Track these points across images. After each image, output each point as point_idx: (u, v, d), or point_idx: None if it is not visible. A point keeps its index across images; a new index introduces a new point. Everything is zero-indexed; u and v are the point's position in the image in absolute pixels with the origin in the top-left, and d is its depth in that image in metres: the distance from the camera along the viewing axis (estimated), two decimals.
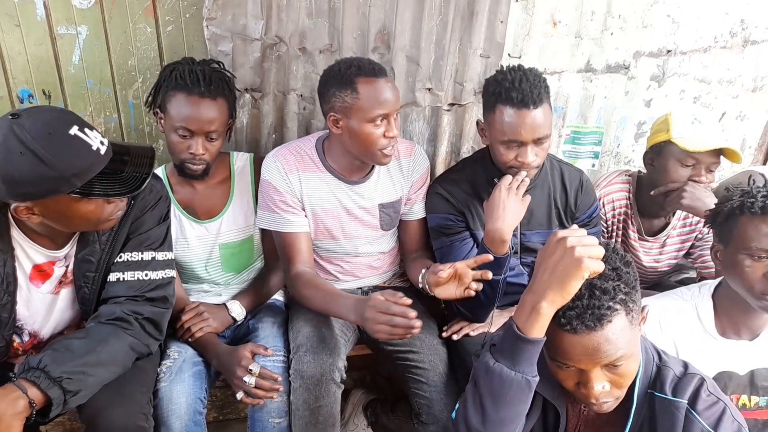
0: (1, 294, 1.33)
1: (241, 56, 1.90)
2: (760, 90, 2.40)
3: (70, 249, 1.41)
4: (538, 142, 1.58)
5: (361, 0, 1.89)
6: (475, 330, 1.75)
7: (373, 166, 1.77)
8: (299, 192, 1.73)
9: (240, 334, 1.81)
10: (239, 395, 1.51)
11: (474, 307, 1.70)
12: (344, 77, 1.56)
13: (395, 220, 1.87)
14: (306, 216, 1.76)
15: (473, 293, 1.46)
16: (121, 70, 1.88)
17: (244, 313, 1.77)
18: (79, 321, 1.54)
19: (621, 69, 2.21)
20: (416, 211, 1.86)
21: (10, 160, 1.14)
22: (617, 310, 1.00)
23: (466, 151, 2.17)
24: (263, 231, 1.82)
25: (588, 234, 1.04)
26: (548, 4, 2.04)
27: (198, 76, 1.58)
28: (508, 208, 1.55)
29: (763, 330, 1.38)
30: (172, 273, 1.50)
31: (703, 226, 1.98)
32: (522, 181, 1.58)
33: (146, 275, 1.43)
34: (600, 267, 1.00)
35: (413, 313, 1.39)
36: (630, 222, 2.00)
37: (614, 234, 2.03)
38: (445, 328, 1.80)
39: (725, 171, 2.40)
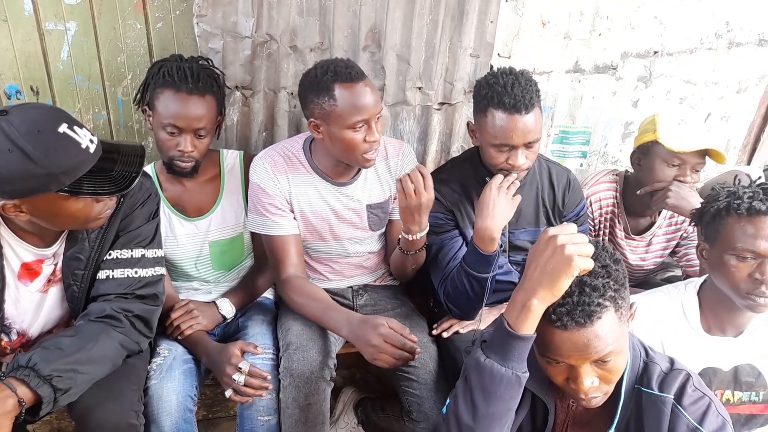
0: None
1: (231, 54, 1.90)
2: (745, 91, 2.44)
3: (58, 247, 1.40)
4: (528, 145, 1.59)
5: None
6: (464, 327, 1.77)
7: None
8: (288, 194, 1.72)
9: (229, 332, 1.81)
10: (228, 393, 1.51)
11: (463, 305, 1.72)
12: (321, 84, 1.54)
13: (384, 220, 1.88)
14: (295, 218, 1.76)
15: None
16: (110, 67, 1.87)
17: (234, 311, 1.77)
18: (67, 319, 1.52)
19: (609, 70, 2.24)
20: None
21: None
22: (607, 306, 1.01)
23: (455, 150, 2.18)
24: None
25: None
26: (537, 4, 2.07)
27: (186, 73, 1.58)
28: (498, 207, 1.56)
29: (747, 327, 1.41)
30: (162, 270, 1.50)
31: (689, 225, 2.01)
32: (512, 182, 1.59)
33: (136, 272, 1.43)
34: (590, 264, 1.01)
35: (419, 351, 1.46)
36: (617, 221, 2.03)
37: (601, 233, 2.05)
38: (434, 326, 1.81)
39: (710, 171, 2.43)
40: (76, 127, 1.20)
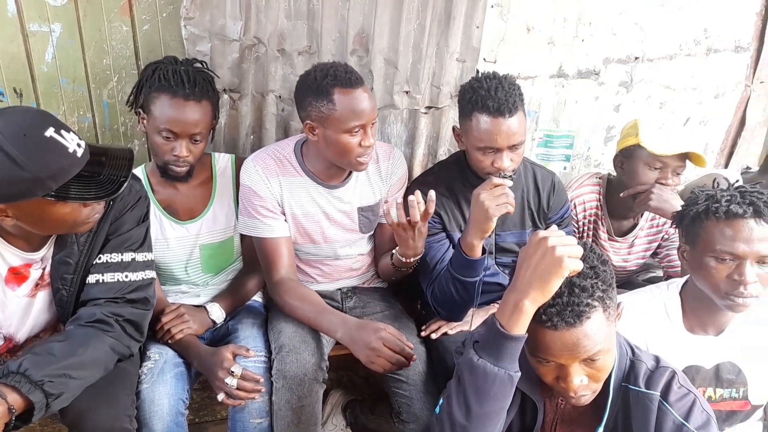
0: None
1: (219, 57, 1.90)
2: (722, 96, 2.51)
3: (47, 251, 1.39)
4: (513, 148, 1.62)
5: (340, 2, 1.91)
6: (452, 329, 1.78)
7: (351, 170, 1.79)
8: (280, 196, 1.73)
9: (219, 336, 1.80)
10: (221, 397, 1.51)
11: (450, 307, 1.74)
12: (321, 87, 1.56)
13: (374, 222, 1.89)
14: (286, 221, 1.76)
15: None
16: (95, 69, 1.86)
17: (224, 316, 1.76)
18: (55, 324, 1.51)
19: (591, 75, 2.28)
20: (392, 213, 1.87)
21: None
22: (595, 306, 1.04)
23: (442, 154, 2.21)
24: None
25: None
26: (523, 10, 2.10)
27: (182, 78, 1.57)
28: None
29: (728, 326, 1.44)
30: (153, 274, 1.49)
31: (670, 227, 2.06)
32: (504, 192, 1.52)
33: (126, 276, 1.42)
34: (579, 266, 1.04)
35: (415, 357, 1.51)
36: (600, 223, 2.07)
37: (585, 234, 2.09)
38: (423, 328, 1.83)
39: (689, 174, 2.49)
40: (63, 131, 1.19)
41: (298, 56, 1.97)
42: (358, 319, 1.56)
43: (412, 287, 2.00)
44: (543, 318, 1.04)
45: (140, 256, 1.46)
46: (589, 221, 2.07)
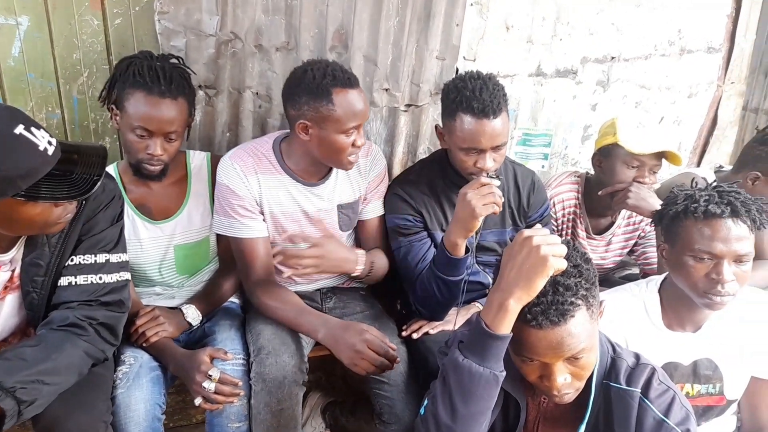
0: None
1: (194, 52, 1.86)
2: (695, 96, 2.56)
3: (16, 252, 1.34)
4: (496, 148, 1.62)
5: None
6: (434, 328, 1.78)
7: (332, 168, 1.77)
8: (258, 195, 1.70)
9: (195, 338, 1.76)
10: (198, 401, 1.47)
11: (432, 307, 1.73)
12: (319, 87, 1.53)
13: (354, 220, 1.87)
14: (264, 220, 1.73)
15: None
16: (65, 64, 1.80)
17: (200, 318, 1.72)
18: (25, 328, 1.46)
19: (569, 74, 2.30)
20: (372, 210, 1.87)
21: None
22: (579, 305, 1.04)
23: (422, 152, 2.20)
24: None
25: None
26: (502, 9, 2.11)
27: (158, 74, 1.53)
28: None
29: (705, 323, 1.46)
30: (127, 275, 1.45)
31: (647, 225, 2.09)
32: (491, 191, 1.51)
33: (100, 278, 1.37)
34: (563, 265, 1.04)
35: (399, 360, 1.51)
36: (578, 221, 2.09)
37: (563, 233, 2.11)
38: (404, 328, 1.82)
39: (662, 172, 2.54)
40: (33, 128, 1.15)
41: (276, 52, 1.94)
42: (340, 320, 1.55)
43: (392, 287, 1.99)
44: (528, 317, 1.04)
45: (114, 258, 1.42)
46: (568, 219, 2.09)
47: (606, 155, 1.92)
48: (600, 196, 1.94)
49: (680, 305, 1.46)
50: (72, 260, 1.37)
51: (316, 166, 1.72)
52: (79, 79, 1.83)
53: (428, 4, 1.96)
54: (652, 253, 2.05)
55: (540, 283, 1.03)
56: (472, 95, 1.56)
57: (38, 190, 1.15)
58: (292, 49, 1.95)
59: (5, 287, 1.36)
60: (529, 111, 2.32)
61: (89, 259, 1.38)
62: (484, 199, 1.47)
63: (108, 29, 1.80)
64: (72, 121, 1.89)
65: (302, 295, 1.82)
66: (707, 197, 1.37)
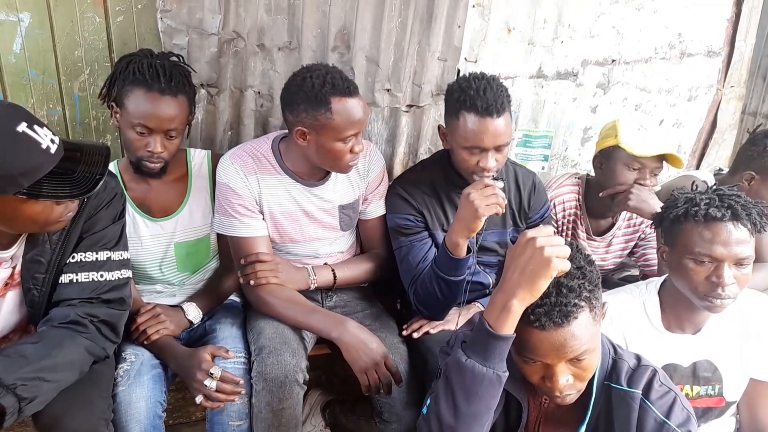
0: None
1: (197, 51, 1.86)
2: (695, 99, 2.56)
3: (17, 249, 1.33)
4: (498, 148, 1.62)
5: None
6: (434, 328, 1.78)
7: None
8: (258, 194, 1.70)
9: (195, 336, 1.76)
10: (199, 399, 1.47)
11: (433, 306, 1.73)
12: (318, 96, 1.53)
13: (354, 220, 1.88)
14: (264, 219, 1.73)
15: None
16: (66, 61, 1.80)
17: (201, 316, 1.73)
18: (25, 325, 1.46)
19: (570, 76, 2.30)
20: (373, 210, 1.87)
21: None
22: (582, 306, 1.04)
23: (423, 153, 2.20)
24: None
25: None
26: (503, 11, 2.11)
27: (158, 72, 1.53)
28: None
29: (705, 325, 1.47)
30: (129, 273, 1.45)
31: (647, 227, 2.10)
32: (494, 192, 1.52)
33: (101, 276, 1.37)
34: (567, 266, 1.04)
35: (401, 385, 1.59)
36: (579, 222, 2.09)
37: (564, 234, 2.11)
38: (404, 327, 1.82)
39: (661, 175, 2.55)
40: (36, 126, 1.15)
41: (278, 52, 1.94)
42: (360, 325, 1.61)
43: (391, 286, 2.00)
44: (531, 318, 1.04)
45: (116, 255, 1.42)
46: (568, 221, 2.09)
47: (607, 157, 1.93)
48: (601, 197, 1.95)
49: (680, 307, 1.46)
50: (73, 257, 1.36)
51: (315, 168, 1.72)
52: (80, 77, 1.83)
53: (430, 5, 1.96)
54: (652, 255, 2.06)
55: (543, 285, 1.03)
56: (476, 94, 1.56)
57: (40, 188, 1.15)
58: (295, 49, 1.95)
59: (6, 284, 1.35)
60: (529, 113, 2.32)
61: (90, 256, 1.38)
62: (488, 200, 1.48)
63: (110, 27, 1.80)
64: (73, 118, 1.89)
65: (303, 294, 1.82)
66: (708, 200, 1.38)
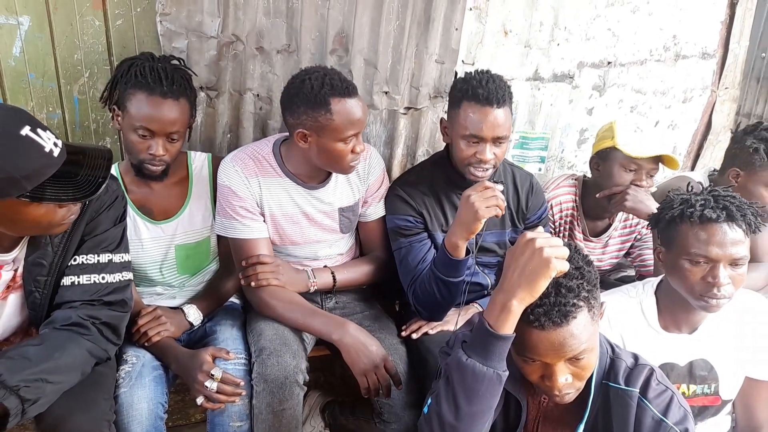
0: None
1: (196, 54, 1.87)
2: (690, 101, 2.59)
3: (19, 252, 1.34)
4: (497, 141, 1.64)
5: (320, 1, 1.90)
6: (433, 329, 1.79)
7: (331, 171, 1.78)
8: (259, 197, 1.71)
9: (196, 338, 1.77)
10: (200, 400, 1.48)
11: (431, 307, 1.75)
12: (317, 97, 1.55)
13: (354, 222, 1.89)
14: (265, 221, 1.74)
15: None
16: (66, 64, 1.80)
17: (201, 318, 1.73)
18: (26, 328, 1.46)
19: (566, 78, 2.32)
20: (372, 212, 1.88)
21: None
22: (581, 306, 1.06)
23: (421, 154, 2.22)
24: None
25: None
26: (500, 13, 2.13)
27: (159, 75, 1.54)
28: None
29: (701, 324, 1.49)
30: (130, 275, 1.46)
31: (643, 228, 2.12)
32: (494, 194, 1.54)
33: (103, 278, 1.38)
34: (566, 266, 1.06)
35: (400, 388, 1.61)
36: (576, 223, 2.11)
37: (561, 235, 2.13)
38: (403, 328, 1.83)
39: (658, 176, 2.57)
40: (39, 130, 1.15)
41: (277, 55, 1.95)
42: (361, 327, 1.62)
43: (390, 288, 2.01)
44: (530, 318, 1.06)
45: (117, 258, 1.42)
46: (565, 222, 2.11)
47: (604, 158, 1.95)
48: (597, 198, 1.97)
49: (676, 307, 1.48)
50: (75, 260, 1.37)
51: (316, 170, 1.73)
52: (80, 80, 1.84)
53: (428, 8, 1.98)
54: (649, 256, 2.07)
55: (543, 285, 1.04)
56: (478, 84, 1.61)
57: (43, 191, 1.15)
58: (293, 52, 1.96)
59: (8, 287, 1.36)
60: (526, 115, 2.34)
61: (92, 258, 1.39)
62: (488, 201, 1.49)
63: (109, 30, 1.80)
64: (73, 121, 1.89)
65: (303, 296, 1.83)
66: (703, 201, 1.39)
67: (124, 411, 1.42)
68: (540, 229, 1.14)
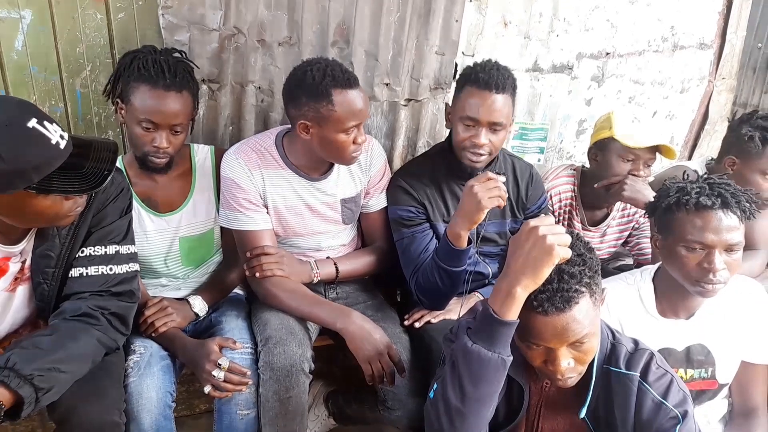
0: None
1: (198, 46, 1.87)
2: (687, 92, 2.61)
3: (26, 244, 1.35)
4: (493, 126, 1.67)
5: None
6: (435, 317, 1.82)
7: (333, 163, 1.80)
8: (262, 189, 1.73)
9: (201, 328, 1.79)
10: (207, 389, 1.50)
11: (434, 296, 1.77)
12: (319, 88, 1.56)
13: (356, 213, 1.91)
14: (268, 213, 1.76)
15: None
16: (68, 58, 1.80)
17: (206, 309, 1.75)
18: (35, 319, 1.47)
19: (565, 69, 2.34)
20: (374, 203, 1.90)
21: None
22: (583, 292, 1.08)
23: (422, 146, 2.23)
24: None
25: None
26: (500, 5, 2.14)
27: (162, 68, 1.55)
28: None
29: (698, 310, 1.52)
30: (137, 267, 1.47)
31: (641, 217, 2.14)
32: (496, 185, 1.56)
33: (111, 269, 1.40)
34: (568, 253, 1.08)
35: (405, 375, 1.63)
36: (575, 213, 2.14)
37: (560, 224, 2.14)
38: (406, 317, 1.85)
39: (655, 165, 2.59)
40: (46, 122, 1.17)
41: (278, 47, 1.96)
42: (365, 316, 1.64)
43: (391, 278, 2.03)
44: (534, 304, 1.08)
45: (124, 249, 1.44)
46: (564, 211, 2.13)
47: (602, 149, 1.97)
48: (596, 188, 1.99)
49: (674, 293, 1.51)
50: (83, 252, 1.39)
51: (318, 161, 1.75)
52: (82, 73, 1.84)
53: (428, 0, 1.99)
54: (646, 244, 2.10)
55: (546, 272, 1.07)
56: (481, 69, 1.66)
57: (50, 183, 1.17)
58: (294, 44, 1.97)
59: (16, 279, 1.37)
60: (525, 106, 2.36)
61: (99, 250, 1.40)
62: (490, 192, 1.52)
63: (111, 23, 1.80)
64: (75, 114, 1.90)
65: (306, 286, 1.85)
66: (699, 189, 1.42)
67: (134, 400, 1.44)
68: (543, 216, 1.16)
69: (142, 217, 1.72)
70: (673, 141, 2.71)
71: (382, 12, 1.96)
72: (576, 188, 2.12)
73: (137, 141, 1.61)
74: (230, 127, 2.05)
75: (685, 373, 1.53)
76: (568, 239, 1.09)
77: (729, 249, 1.40)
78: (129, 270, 1.44)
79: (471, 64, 1.74)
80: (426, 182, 1.82)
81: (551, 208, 2.09)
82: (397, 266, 1.87)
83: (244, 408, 1.58)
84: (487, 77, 1.64)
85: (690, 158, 2.76)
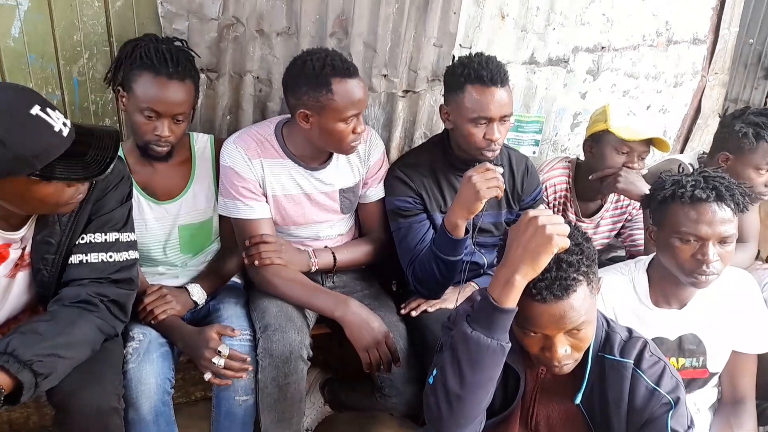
0: None
1: (196, 36, 1.87)
2: (680, 86, 2.64)
3: (27, 231, 1.36)
4: (503, 119, 1.69)
5: None
6: (432, 306, 1.84)
7: (332, 153, 1.81)
8: (261, 178, 1.74)
9: (200, 316, 1.80)
10: (207, 376, 1.51)
11: (431, 286, 1.79)
12: (319, 77, 1.57)
13: (354, 203, 1.92)
14: (267, 202, 1.77)
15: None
16: (65, 45, 1.79)
17: (205, 297, 1.76)
18: (34, 305, 1.48)
19: (561, 62, 2.36)
20: (372, 194, 1.92)
21: None
22: (580, 280, 1.11)
23: (419, 137, 2.25)
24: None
25: None
26: None
27: (165, 56, 1.55)
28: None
29: (690, 300, 1.55)
30: (136, 254, 1.48)
31: (634, 209, 2.17)
32: (495, 176, 1.58)
33: (110, 257, 1.40)
34: (567, 243, 1.10)
35: (399, 365, 1.64)
36: (569, 204, 2.16)
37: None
38: (402, 306, 1.88)
39: (649, 158, 2.62)
40: (48, 109, 1.17)
41: (277, 37, 1.96)
42: (362, 305, 1.66)
43: (387, 267, 2.05)
44: (533, 292, 1.11)
45: (123, 237, 1.45)
46: (559, 203, 2.16)
47: (597, 141, 1.99)
48: (590, 180, 2.01)
49: (667, 284, 1.54)
50: (83, 239, 1.39)
51: (317, 151, 1.76)
52: (79, 61, 1.83)
53: None
54: (638, 236, 2.13)
55: (545, 260, 1.09)
56: (479, 66, 1.65)
57: (52, 170, 1.17)
58: (293, 35, 1.97)
59: (16, 265, 1.38)
60: (521, 98, 2.37)
61: (99, 237, 1.41)
62: (489, 183, 1.54)
63: (109, 11, 1.79)
64: (72, 102, 1.89)
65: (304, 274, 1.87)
66: (694, 182, 1.44)
67: (133, 386, 1.45)
68: (542, 206, 1.18)
69: (141, 204, 1.72)
70: (665, 134, 2.74)
71: (381, 3, 1.96)
72: (570, 180, 2.15)
73: (139, 129, 1.61)
74: (228, 117, 2.05)
75: (677, 362, 1.57)
76: (567, 229, 1.11)
77: (722, 241, 1.43)
78: (128, 257, 1.45)
79: (460, 61, 1.71)
80: (423, 173, 1.84)
81: (546, 200, 2.12)
82: (393, 256, 1.89)
83: (243, 394, 1.60)
84: (490, 74, 1.64)
85: (682, 151, 2.79)
